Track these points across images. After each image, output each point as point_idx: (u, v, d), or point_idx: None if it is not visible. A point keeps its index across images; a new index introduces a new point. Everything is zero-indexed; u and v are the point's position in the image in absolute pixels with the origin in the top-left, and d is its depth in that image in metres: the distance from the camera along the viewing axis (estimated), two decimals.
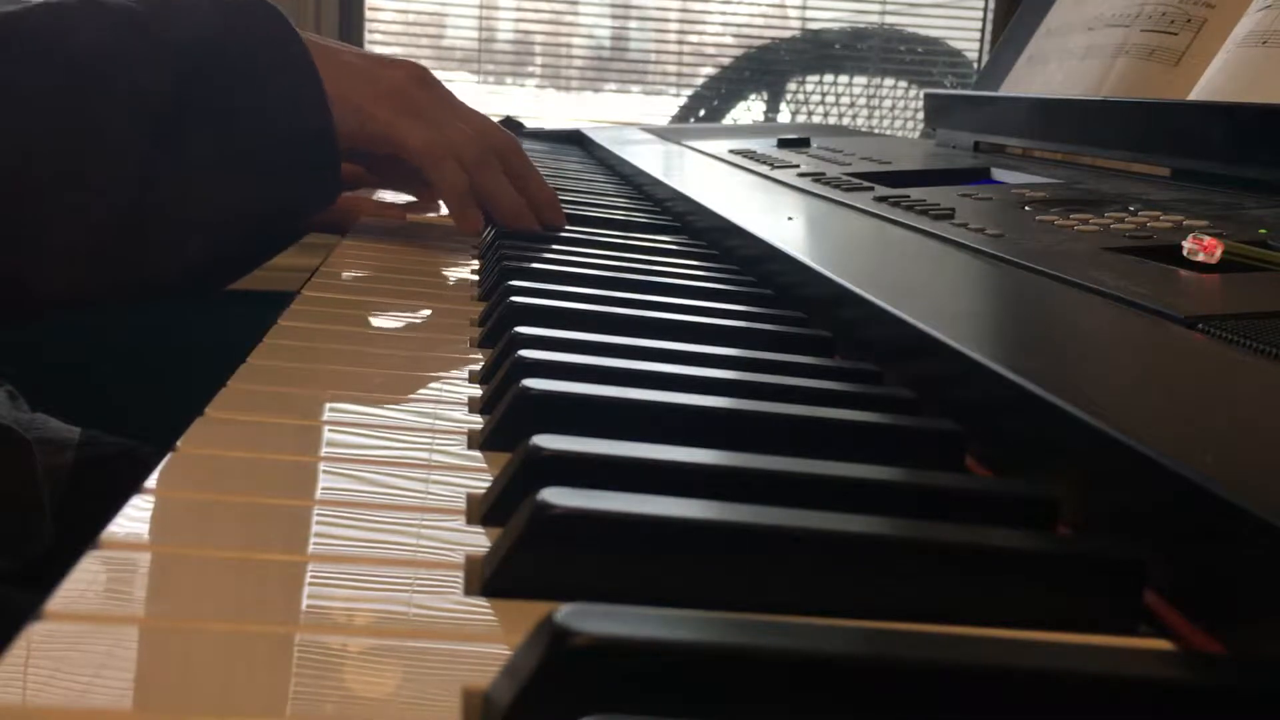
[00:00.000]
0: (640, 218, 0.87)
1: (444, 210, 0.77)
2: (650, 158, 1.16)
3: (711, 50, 2.10)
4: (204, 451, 0.34)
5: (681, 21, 2.07)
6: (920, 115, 2.05)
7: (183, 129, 0.56)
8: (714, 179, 0.98)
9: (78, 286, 0.57)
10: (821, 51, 2.09)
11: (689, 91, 2.09)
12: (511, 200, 0.72)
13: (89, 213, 0.54)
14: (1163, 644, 0.26)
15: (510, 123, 1.63)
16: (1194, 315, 0.40)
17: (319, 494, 0.32)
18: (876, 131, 2.01)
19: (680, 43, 2.09)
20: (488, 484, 0.33)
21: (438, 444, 0.37)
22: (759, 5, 2.07)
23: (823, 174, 0.89)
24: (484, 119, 0.73)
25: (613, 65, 2.10)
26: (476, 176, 0.70)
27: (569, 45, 2.07)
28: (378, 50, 1.94)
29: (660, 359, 0.43)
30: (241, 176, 0.59)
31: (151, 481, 0.31)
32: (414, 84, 0.68)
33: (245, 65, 0.58)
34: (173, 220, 0.57)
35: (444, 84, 0.72)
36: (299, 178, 0.62)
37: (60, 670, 0.22)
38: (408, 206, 0.91)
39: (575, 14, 2.04)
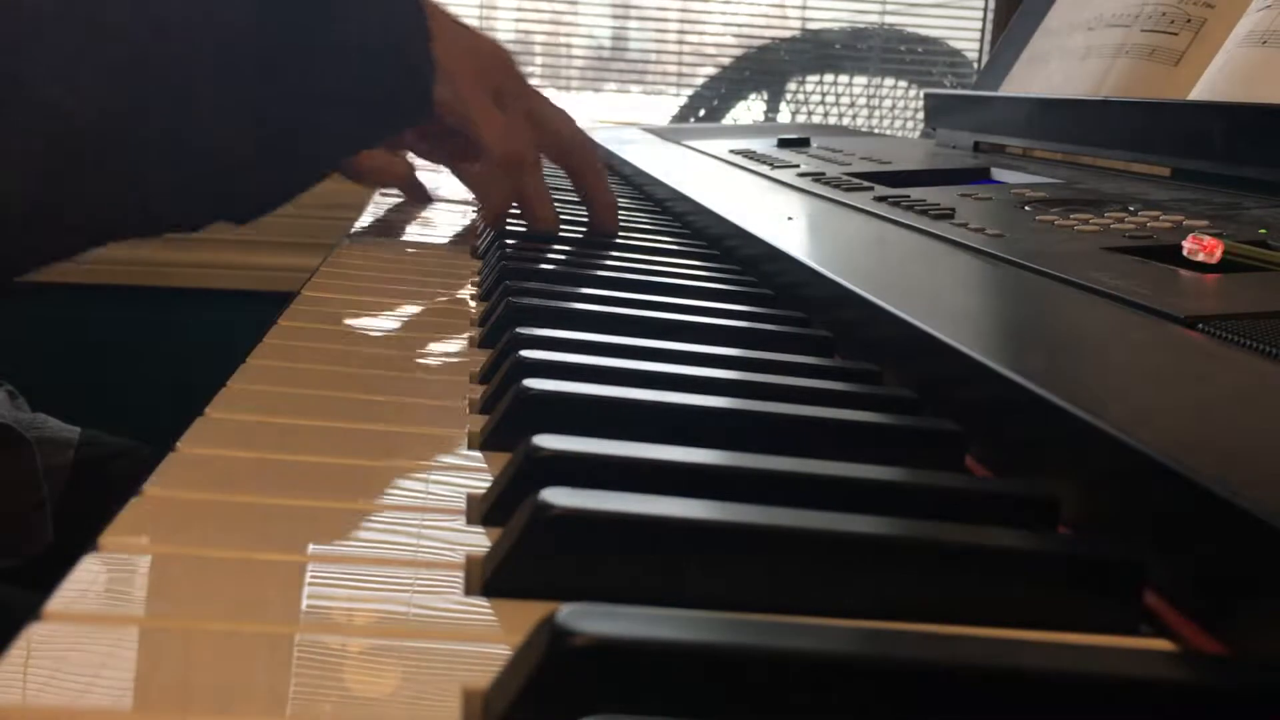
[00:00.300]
0: (640, 218, 0.87)
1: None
2: (650, 158, 1.16)
3: (711, 50, 2.09)
4: (204, 451, 0.34)
5: (681, 21, 2.07)
6: (920, 115, 2.05)
7: (281, 63, 0.56)
8: (714, 179, 0.98)
9: (190, 212, 0.56)
10: (821, 51, 2.09)
11: (689, 91, 2.09)
12: (544, 206, 0.72)
13: (191, 146, 0.54)
14: (1163, 644, 0.26)
15: None
16: (1194, 315, 0.40)
17: (319, 494, 0.32)
18: (876, 131, 2.01)
19: (680, 43, 2.09)
20: (488, 484, 0.33)
21: (438, 444, 0.37)
22: (759, 5, 2.07)
23: (823, 174, 0.89)
24: (559, 113, 0.73)
25: (613, 65, 2.10)
26: (525, 174, 0.70)
27: (569, 45, 2.07)
28: None
29: (660, 359, 0.43)
30: (336, 111, 0.58)
31: (152, 482, 0.31)
32: (507, 68, 0.68)
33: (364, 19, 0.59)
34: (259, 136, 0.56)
35: (525, 77, 0.72)
36: (384, 124, 0.62)
37: (60, 670, 0.22)
38: (425, 197, 0.91)
39: (575, 14, 2.04)
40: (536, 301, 0.51)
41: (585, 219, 0.83)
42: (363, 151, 0.80)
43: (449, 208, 0.91)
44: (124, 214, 0.54)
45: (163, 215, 0.56)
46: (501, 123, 0.67)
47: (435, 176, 0.96)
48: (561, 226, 0.77)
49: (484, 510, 0.31)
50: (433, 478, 0.34)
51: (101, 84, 0.51)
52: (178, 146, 0.54)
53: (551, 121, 0.71)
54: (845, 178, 0.85)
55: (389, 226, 0.84)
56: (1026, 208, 0.68)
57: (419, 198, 0.93)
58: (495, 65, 0.67)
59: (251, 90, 0.55)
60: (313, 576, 0.27)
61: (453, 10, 0.67)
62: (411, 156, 0.92)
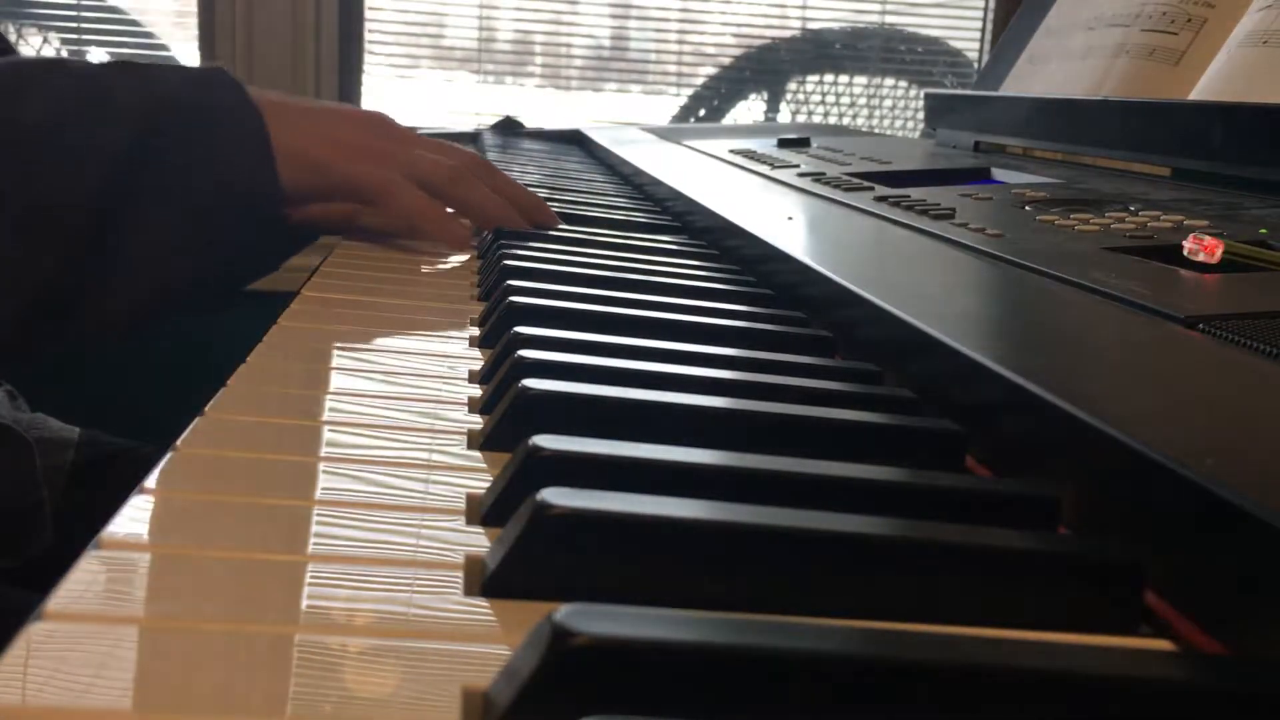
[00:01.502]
0: (640, 218, 0.87)
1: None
2: (650, 158, 1.16)
3: (711, 50, 2.09)
4: (204, 451, 0.34)
5: (681, 21, 2.07)
6: (920, 115, 2.05)
7: (136, 188, 0.59)
8: (714, 179, 0.98)
9: (20, 337, 0.59)
10: (821, 51, 2.09)
11: (689, 91, 2.09)
12: (495, 204, 0.72)
13: (38, 265, 0.57)
14: (1163, 644, 0.26)
15: (510, 123, 1.63)
16: (1194, 315, 0.40)
17: (319, 494, 0.32)
18: (876, 131, 2.01)
19: (680, 43, 2.09)
20: (488, 484, 0.33)
21: (438, 444, 0.37)
22: (759, 5, 2.07)
23: (823, 174, 0.89)
24: (451, 147, 0.74)
25: (613, 65, 2.10)
26: (452, 192, 0.71)
27: (569, 45, 2.07)
28: (377, 50, 1.94)
29: (660, 359, 0.43)
30: (192, 235, 0.61)
31: (151, 481, 0.31)
32: (373, 133, 0.69)
33: (200, 130, 0.61)
34: (120, 276, 0.59)
35: (402, 126, 0.73)
36: (245, 235, 0.64)
37: (60, 670, 0.22)
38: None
39: (575, 14, 2.04)
40: (536, 301, 0.51)
41: (584, 217, 0.83)
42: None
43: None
44: None
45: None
46: (379, 170, 0.67)
47: None
48: (561, 226, 0.77)
49: (484, 510, 0.31)
50: (433, 478, 0.34)
51: None
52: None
53: (445, 153, 0.71)
54: (845, 178, 0.85)
55: (389, 228, 0.84)
56: (1027, 208, 0.68)
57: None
58: (359, 137, 0.68)
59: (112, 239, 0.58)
60: (313, 576, 0.27)
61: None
62: None
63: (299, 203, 0.66)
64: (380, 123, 0.71)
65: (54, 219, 0.56)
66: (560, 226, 0.77)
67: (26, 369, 0.64)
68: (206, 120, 0.62)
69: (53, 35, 1.85)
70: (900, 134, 2.07)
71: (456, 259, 0.72)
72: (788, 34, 2.09)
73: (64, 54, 1.84)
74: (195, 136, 0.61)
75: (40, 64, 0.61)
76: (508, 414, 0.36)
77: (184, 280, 0.62)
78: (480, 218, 0.73)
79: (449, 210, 0.72)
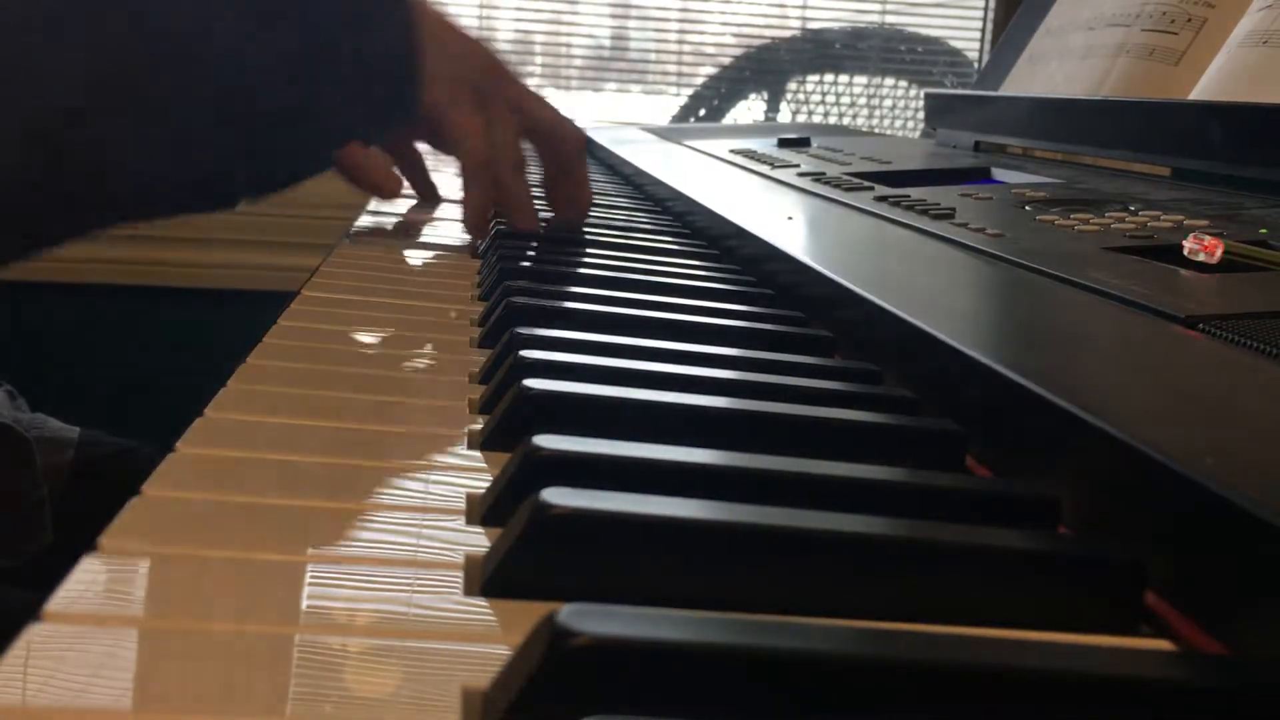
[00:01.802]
0: (640, 218, 0.87)
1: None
2: (650, 158, 1.16)
3: (711, 50, 2.09)
4: (204, 451, 0.34)
5: (681, 21, 2.07)
6: (920, 115, 2.05)
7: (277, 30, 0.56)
8: (714, 179, 0.98)
9: (180, 165, 0.56)
10: (821, 51, 2.09)
11: (689, 91, 2.09)
12: (523, 213, 0.73)
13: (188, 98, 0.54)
14: (1163, 644, 0.26)
15: None
16: (1194, 315, 0.40)
17: (319, 494, 0.32)
18: (877, 131, 2.01)
19: (680, 43, 2.09)
20: (488, 484, 0.33)
21: (438, 444, 0.37)
22: (759, 5, 2.07)
23: (823, 174, 0.89)
24: (552, 118, 0.73)
25: (613, 65, 2.10)
26: (504, 180, 0.71)
27: (569, 45, 2.07)
28: None
29: (660, 359, 0.43)
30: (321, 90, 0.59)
31: (151, 482, 0.31)
32: (490, 67, 0.69)
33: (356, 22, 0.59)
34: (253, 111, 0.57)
35: (512, 77, 0.72)
36: (370, 126, 0.64)
37: (60, 670, 0.22)
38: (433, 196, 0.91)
39: (575, 14, 2.04)
40: (536, 301, 0.51)
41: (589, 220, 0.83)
42: (358, 156, 0.80)
43: (449, 208, 0.91)
44: (117, 192, 0.55)
45: (151, 196, 0.56)
46: (479, 127, 0.67)
47: (436, 176, 0.96)
48: (559, 225, 0.77)
49: (484, 510, 0.31)
50: (433, 478, 0.34)
51: (99, 66, 0.51)
52: (164, 126, 0.54)
53: (537, 113, 0.71)
54: (845, 177, 0.85)
55: (389, 226, 0.84)
56: (1027, 207, 0.68)
57: (427, 196, 0.93)
58: (479, 66, 0.68)
59: (242, 86, 0.55)
60: (313, 576, 0.27)
61: (453, 11, 0.68)
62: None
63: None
64: (500, 67, 0.70)
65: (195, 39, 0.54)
66: (560, 226, 0.77)
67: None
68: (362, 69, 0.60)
69: None
70: (900, 134, 2.07)
71: (456, 259, 0.72)
72: (788, 34, 2.09)
73: None
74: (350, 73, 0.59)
75: None
76: (508, 414, 0.36)
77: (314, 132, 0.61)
78: (506, 216, 0.74)
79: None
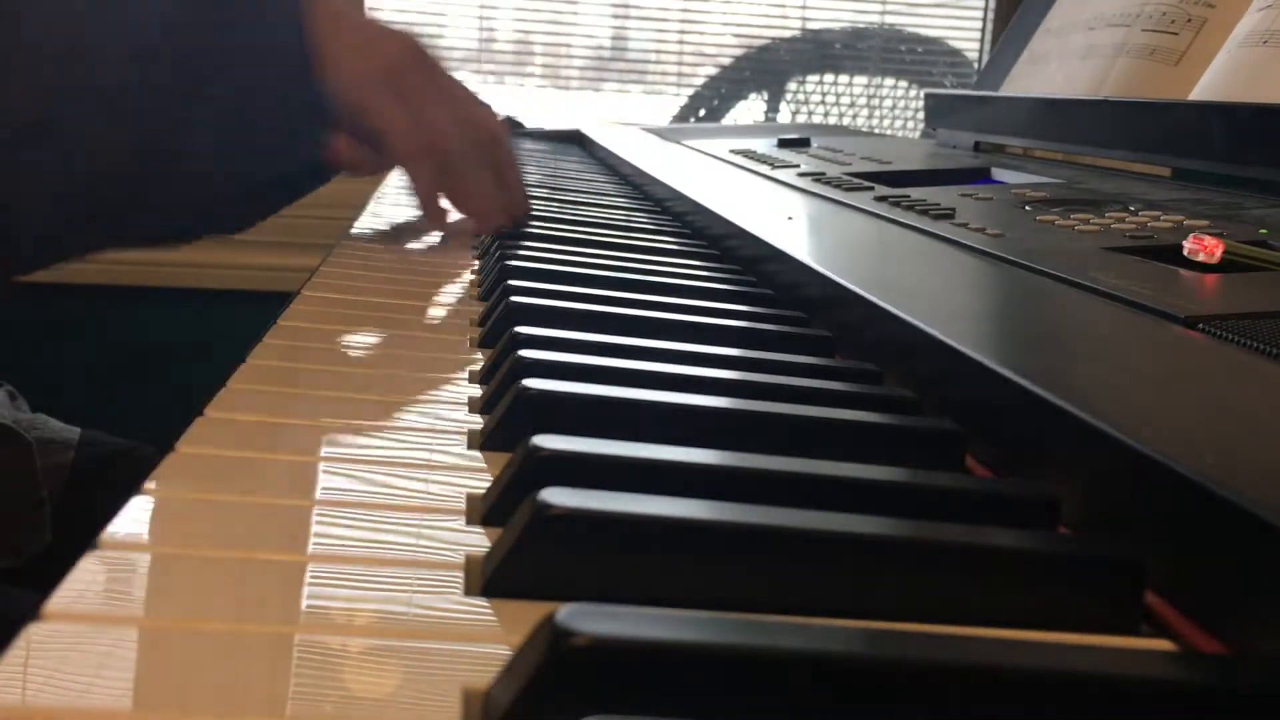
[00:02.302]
0: (640, 218, 0.87)
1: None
2: (650, 158, 1.16)
3: (711, 50, 2.09)
4: (204, 451, 0.34)
5: (681, 21, 2.07)
6: (920, 115, 2.05)
7: (181, 83, 0.56)
8: (714, 179, 0.98)
9: (68, 229, 0.57)
10: (821, 51, 2.09)
11: (689, 91, 2.09)
12: (482, 202, 0.72)
13: (83, 159, 0.55)
14: (1163, 644, 0.26)
15: (510, 123, 1.63)
16: (1194, 315, 0.40)
17: (319, 494, 0.32)
18: (876, 131, 2.01)
19: (680, 43, 2.08)
20: (488, 484, 0.33)
21: (438, 444, 0.37)
22: (759, 5, 2.07)
23: (823, 174, 0.89)
24: (473, 104, 0.72)
25: (613, 65, 2.10)
26: (455, 171, 0.70)
27: (569, 45, 2.07)
28: None
29: (660, 359, 0.43)
30: (234, 133, 0.59)
31: (151, 482, 0.31)
32: (409, 61, 0.67)
33: (246, 27, 0.59)
34: (165, 174, 0.57)
35: (437, 59, 0.70)
36: (285, 140, 0.62)
37: (60, 670, 0.22)
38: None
39: (575, 14, 2.04)
40: (536, 301, 0.51)
41: (584, 217, 0.83)
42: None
43: (448, 207, 0.91)
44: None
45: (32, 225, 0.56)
46: (405, 122, 0.66)
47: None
48: (559, 226, 0.77)
49: (484, 510, 0.31)
50: (433, 478, 0.34)
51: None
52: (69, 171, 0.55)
53: (464, 118, 0.70)
54: (845, 178, 0.85)
55: (389, 226, 0.84)
56: (1027, 208, 0.68)
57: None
58: (397, 65, 0.66)
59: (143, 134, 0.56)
60: (313, 576, 0.27)
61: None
62: None
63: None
64: (419, 54, 0.68)
65: (100, 127, 0.55)
66: (560, 226, 0.77)
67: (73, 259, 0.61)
68: (256, 17, 0.59)
69: None
70: (900, 134, 2.07)
71: (456, 259, 0.72)
72: (788, 34, 2.09)
73: None
74: (240, 33, 0.58)
75: None
76: (508, 414, 0.36)
77: (229, 176, 0.60)
78: (466, 210, 0.73)
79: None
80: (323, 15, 0.61)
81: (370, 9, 1.91)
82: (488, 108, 0.73)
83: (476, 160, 0.71)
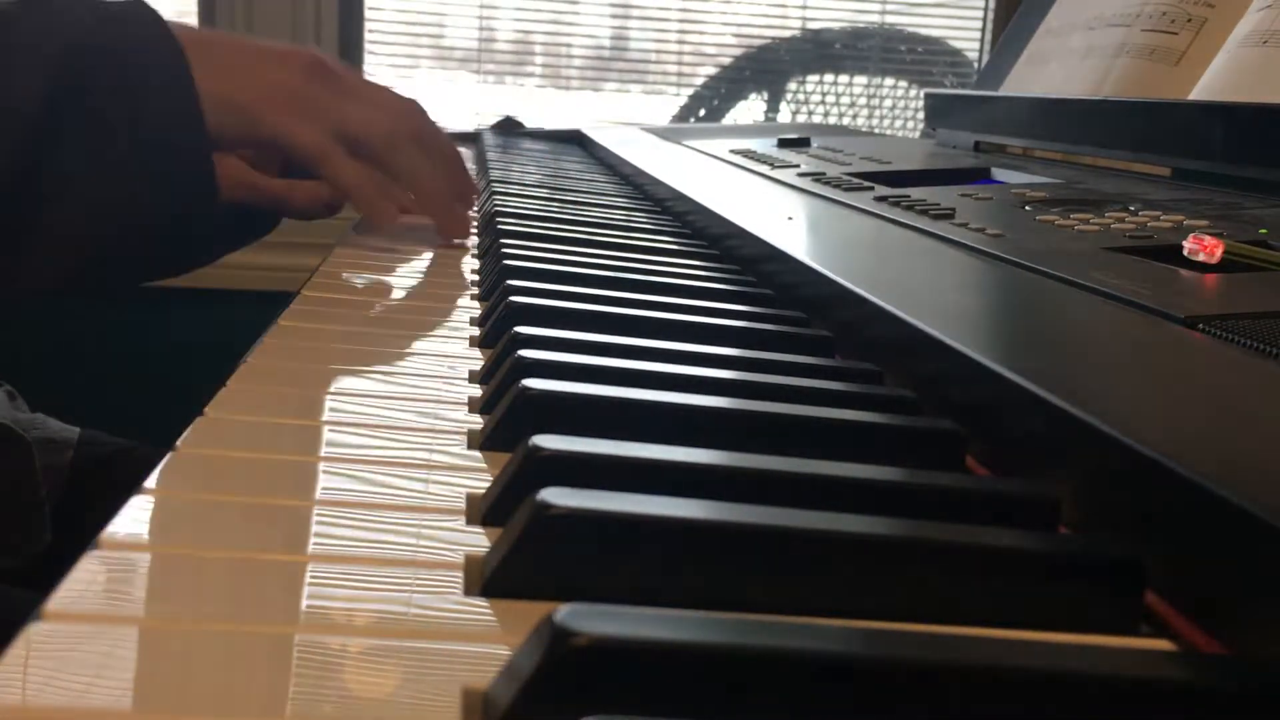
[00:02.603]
0: (640, 218, 0.87)
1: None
2: (650, 158, 1.16)
3: (711, 50, 2.09)
4: (204, 451, 0.34)
5: (681, 21, 2.07)
6: (920, 115, 2.05)
7: (56, 135, 0.55)
8: (714, 179, 0.98)
9: None
10: (821, 51, 2.09)
11: (689, 91, 2.09)
12: (429, 182, 0.70)
13: None
14: (1163, 644, 0.26)
15: (510, 123, 1.63)
16: (1194, 315, 0.40)
17: (319, 494, 0.32)
18: (876, 131, 2.01)
19: (680, 43, 2.08)
20: (488, 484, 0.33)
21: (438, 444, 0.37)
22: (759, 5, 2.07)
23: (823, 174, 0.89)
24: (391, 98, 0.69)
25: (613, 65, 2.10)
26: (387, 159, 0.67)
27: (569, 45, 2.07)
28: (377, 50, 1.94)
29: (660, 359, 0.43)
30: (116, 183, 0.57)
31: (151, 481, 0.31)
32: (307, 77, 0.64)
33: (117, 71, 0.57)
34: (46, 227, 0.56)
35: (343, 65, 0.68)
36: (173, 184, 0.59)
37: (60, 670, 0.22)
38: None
39: (575, 14, 2.04)
40: (536, 301, 0.51)
41: (584, 217, 0.83)
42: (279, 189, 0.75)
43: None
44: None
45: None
46: (311, 129, 0.63)
47: None
48: (559, 226, 0.77)
49: (484, 510, 0.31)
50: (433, 478, 0.34)
51: None
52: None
53: (386, 110, 0.67)
54: (845, 178, 0.85)
55: (389, 226, 0.84)
56: (1027, 208, 0.68)
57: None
58: (291, 82, 0.64)
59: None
60: (313, 576, 0.27)
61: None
62: None
63: (228, 154, 0.62)
64: (315, 66, 0.65)
65: None
66: (560, 226, 0.77)
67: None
68: (125, 64, 0.57)
69: None
70: (900, 134, 2.06)
71: (456, 259, 0.72)
72: (788, 34, 2.09)
73: None
74: (113, 83, 0.56)
75: None
76: (508, 414, 0.36)
77: (107, 241, 0.58)
78: (415, 192, 0.70)
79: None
80: (200, 53, 0.59)
81: (370, 9, 1.91)
82: (407, 98, 0.70)
83: (406, 145, 0.68)
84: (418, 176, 0.69)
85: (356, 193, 0.66)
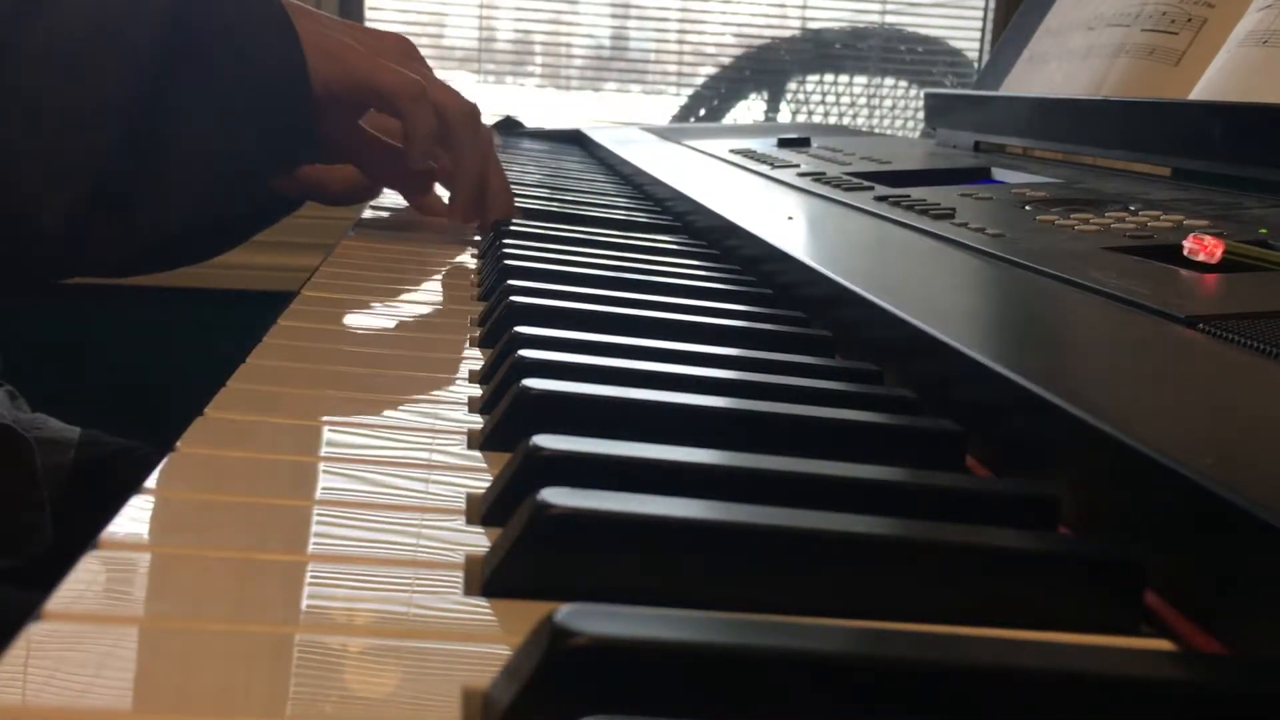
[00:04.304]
0: (640, 218, 0.87)
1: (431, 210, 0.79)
2: (650, 157, 1.16)
3: (711, 50, 2.09)
4: (204, 451, 0.34)
5: (681, 21, 2.07)
6: (920, 115, 2.05)
7: (172, 83, 0.57)
8: (714, 179, 0.98)
9: (76, 241, 0.57)
10: (821, 51, 2.09)
11: (689, 91, 2.09)
12: (473, 163, 0.72)
13: (84, 166, 0.55)
14: (1163, 644, 0.26)
15: (510, 122, 1.63)
16: (1194, 315, 0.40)
17: (319, 494, 0.32)
18: (876, 131, 2.01)
19: (680, 43, 2.09)
20: (488, 484, 0.33)
21: (438, 444, 0.37)
22: (759, 5, 2.07)
23: (823, 174, 0.89)
24: (456, 92, 0.73)
25: (613, 65, 2.10)
26: (455, 126, 0.70)
27: (569, 45, 2.07)
28: None
29: (660, 359, 0.43)
30: (230, 127, 0.60)
31: (151, 481, 0.31)
32: (398, 49, 0.69)
33: (228, 24, 0.60)
34: (166, 171, 0.58)
35: (421, 55, 0.73)
36: (277, 124, 0.62)
37: (60, 670, 0.22)
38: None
39: (575, 14, 2.04)
40: (536, 301, 0.51)
41: (584, 217, 0.83)
42: (320, 173, 0.80)
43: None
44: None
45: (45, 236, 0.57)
46: (400, 74, 0.66)
47: None
48: (559, 226, 0.77)
49: (484, 510, 0.31)
50: (433, 478, 0.34)
51: None
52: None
53: (440, 91, 0.70)
54: (845, 177, 0.85)
55: (389, 226, 0.84)
56: (1027, 207, 0.68)
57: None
58: (386, 48, 0.68)
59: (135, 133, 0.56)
60: (313, 576, 0.27)
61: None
62: None
63: (326, 106, 0.65)
64: (403, 45, 0.71)
65: (93, 122, 0.55)
66: (560, 226, 0.77)
67: (90, 273, 0.62)
68: (235, 16, 0.60)
69: None
70: (900, 134, 2.07)
71: (456, 258, 0.72)
72: (788, 34, 2.09)
73: None
74: (225, 33, 0.60)
75: None
76: (508, 414, 0.36)
77: (229, 172, 0.61)
78: (460, 166, 0.73)
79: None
80: (300, 13, 0.63)
81: (370, 9, 1.91)
82: (468, 100, 0.74)
83: (472, 124, 0.71)
84: (466, 154, 0.72)
85: (421, 143, 0.69)
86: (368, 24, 1.91)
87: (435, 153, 0.71)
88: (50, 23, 0.55)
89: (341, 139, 0.71)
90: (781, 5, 2.07)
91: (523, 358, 0.41)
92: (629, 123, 1.83)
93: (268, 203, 0.78)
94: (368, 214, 0.88)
